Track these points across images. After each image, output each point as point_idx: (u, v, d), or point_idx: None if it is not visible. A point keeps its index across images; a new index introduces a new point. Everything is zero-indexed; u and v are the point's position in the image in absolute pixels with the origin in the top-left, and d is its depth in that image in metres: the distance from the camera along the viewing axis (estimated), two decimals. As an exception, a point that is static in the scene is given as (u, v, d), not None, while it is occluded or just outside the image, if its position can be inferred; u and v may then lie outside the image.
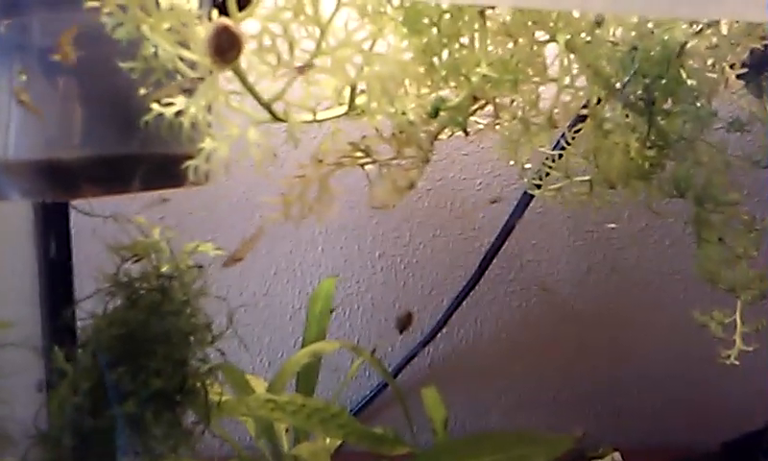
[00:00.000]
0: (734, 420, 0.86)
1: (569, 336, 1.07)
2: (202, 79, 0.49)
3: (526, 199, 0.95)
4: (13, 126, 0.52)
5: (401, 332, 0.95)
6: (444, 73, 0.48)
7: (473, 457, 0.67)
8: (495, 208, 1.03)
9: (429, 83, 0.52)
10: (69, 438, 0.52)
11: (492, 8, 0.55)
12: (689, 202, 0.63)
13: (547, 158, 0.72)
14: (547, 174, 0.74)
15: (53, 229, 0.70)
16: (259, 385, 0.76)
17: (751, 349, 0.62)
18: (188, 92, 0.52)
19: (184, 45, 0.49)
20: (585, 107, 0.64)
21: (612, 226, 1.04)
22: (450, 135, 0.69)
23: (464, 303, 1.03)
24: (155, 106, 0.52)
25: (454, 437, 0.93)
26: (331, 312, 0.85)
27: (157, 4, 0.46)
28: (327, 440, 0.77)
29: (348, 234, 1.02)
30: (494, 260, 1.02)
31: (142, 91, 0.52)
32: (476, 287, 1.03)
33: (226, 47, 0.42)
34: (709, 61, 0.58)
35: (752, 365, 0.93)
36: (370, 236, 1.03)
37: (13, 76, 0.52)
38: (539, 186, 0.75)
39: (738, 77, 0.62)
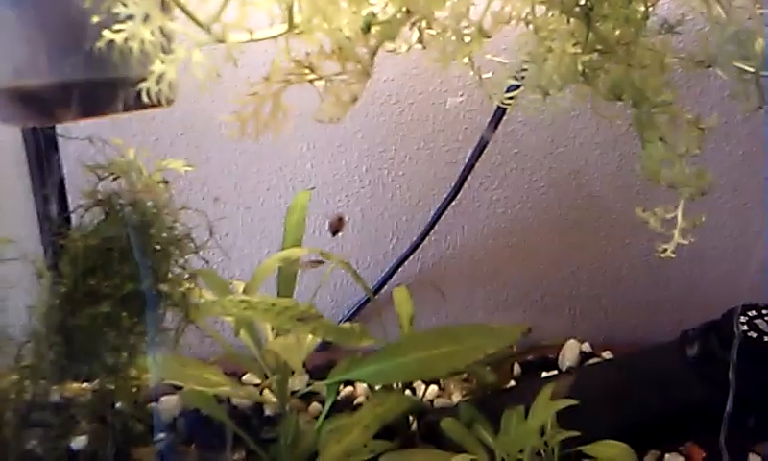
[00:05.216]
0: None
1: (552, 240, 1.11)
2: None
3: (500, 112, 0.97)
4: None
5: (334, 235, 1.00)
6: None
7: (433, 348, 0.72)
8: (478, 120, 1.05)
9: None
10: (54, 336, 0.60)
11: None
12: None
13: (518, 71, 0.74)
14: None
15: (43, 153, 0.76)
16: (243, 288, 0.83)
17: (687, 242, 0.65)
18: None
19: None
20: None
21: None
22: (409, 49, 0.72)
23: (450, 211, 1.08)
24: (105, 32, 0.57)
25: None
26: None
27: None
28: (309, 337, 0.84)
29: (335, 150, 1.06)
30: (479, 169, 1.06)
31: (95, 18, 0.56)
32: (461, 196, 1.07)
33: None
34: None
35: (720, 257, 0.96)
36: (356, 151, 1.07)
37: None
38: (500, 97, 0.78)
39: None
